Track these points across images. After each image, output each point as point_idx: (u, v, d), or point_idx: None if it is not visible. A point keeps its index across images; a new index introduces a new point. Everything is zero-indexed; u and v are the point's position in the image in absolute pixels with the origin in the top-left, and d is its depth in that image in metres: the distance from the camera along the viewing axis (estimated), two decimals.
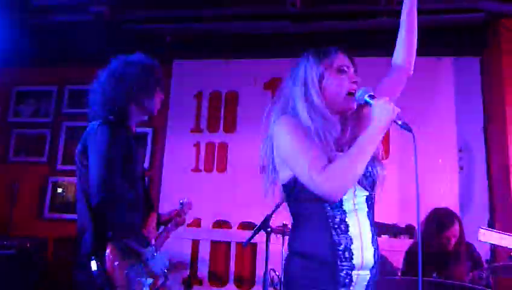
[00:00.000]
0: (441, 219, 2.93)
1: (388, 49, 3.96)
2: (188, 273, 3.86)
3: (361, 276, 1.41)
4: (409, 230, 3.58)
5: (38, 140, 4.36)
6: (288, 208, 1.51)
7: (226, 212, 3.91)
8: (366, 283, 1.42)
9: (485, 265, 2.95)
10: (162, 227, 2.26)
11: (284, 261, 1.50)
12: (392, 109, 1.39)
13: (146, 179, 2.22)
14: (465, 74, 3.85)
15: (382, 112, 1.38)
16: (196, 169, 4.08)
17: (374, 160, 1.49)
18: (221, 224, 3.96)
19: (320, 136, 1.41)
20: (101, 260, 1.79)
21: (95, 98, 2.05)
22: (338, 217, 1.41)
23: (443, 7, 3.52)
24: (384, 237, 3.65)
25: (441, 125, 3.78)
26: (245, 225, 3.85)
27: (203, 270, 3.88)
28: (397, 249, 3.48)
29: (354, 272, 1.39)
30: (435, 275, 2.74)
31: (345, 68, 1.50)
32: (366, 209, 1.46)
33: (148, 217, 2.06)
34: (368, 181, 1.46)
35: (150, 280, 1.91)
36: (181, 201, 2.53)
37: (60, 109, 4.41)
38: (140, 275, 1.87)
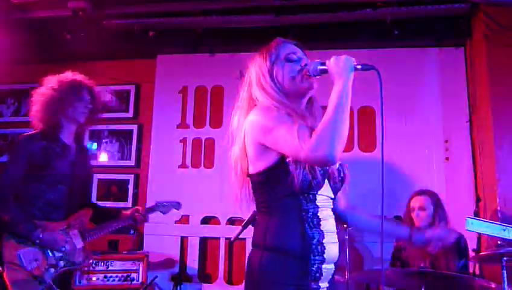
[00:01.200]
0: (412, 194, 3.04)
1: (369, 41, 4.04)
2: (177, 270, 3.87)
3: (328, 269, 1.46)
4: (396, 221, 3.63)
5: None
6: (256, 201, 1.55)
7: (215, 208, 3.92)
8: (330, 276, 1.49)
9: (472, 254, 3.02)
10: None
11: (250, 256, 1.50)
12: (345, 59, 1.45)
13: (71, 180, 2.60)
14: (450, 64, 3.90)
15: (338, 65, 1.44)
16: (183, 165, 4.08)
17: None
18: (209, 220, 3.97)
19: (292, 116, 1.47)
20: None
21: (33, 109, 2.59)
22: (311, 211, 1.44)
23: None
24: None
25: (427, 116, 3.83)
26: (234, 221, 3.87)
27: (192, 267, 3.90)
28: (385, 241, 3.53)
29: (324, 266, 1.44)
30: (422, 265, 2.80)
31: (293, 56, 1.58)
32: (332, 206, 1.54)
33: (75, 212, 2.56)
34: (335, 182, 1.54)
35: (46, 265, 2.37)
36: (158, 203, 2.96)
37: None
38: (34, 258, 2.33)
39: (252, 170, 1.52)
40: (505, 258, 2.22)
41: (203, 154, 4.07)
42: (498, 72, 3.44)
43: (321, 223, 1.45)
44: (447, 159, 3.76)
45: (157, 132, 4.17)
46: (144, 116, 4.27)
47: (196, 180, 3.98)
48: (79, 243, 2.52)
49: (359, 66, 1.45)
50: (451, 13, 3.70)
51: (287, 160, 1.43)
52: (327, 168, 1.49)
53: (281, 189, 1.44)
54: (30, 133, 2.54)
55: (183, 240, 3.95)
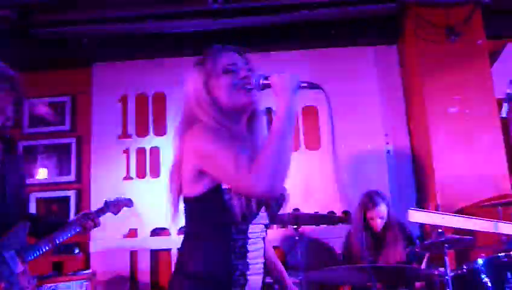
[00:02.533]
0: (363, 200, 3.13)
1: (308, 41, 4.15)
2: (128, 286, 3.76)
3: None
4: (345, 217, 3.77)
5: None
6: (185, 224, 1.45)
7: (164, 219, 3.84)
8: None
9: (417, 242, 3.20)
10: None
11: (171, 283, 1.43)
12: (290, 77, 1.35)
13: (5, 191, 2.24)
14: (384, 61, 4.11)
15: (283, 84, 1.34)
16: (128, 177, 3.97)
17: None
18: (159, 232, 3.90)
19: (232, 139, 1.37)
20: None
21: None
22: (241, 241, 1.38)
23: None
24: (322, 226, 3.80)
25: (367, 112, 4.00)
26: None
27: (144, 282, 3.80)
28: (336, 236, 3.66)
29: None
30: (370, 257, 2.94)
31: (231, 67, 1.45)
32: (264, 235, 1.47)
33: (9, 228, 2.13)
34: (272, 209, 1.45)
35: None
36: (108, 201, 2.59)
37: None
38: None
39: (185, 193, 1.43)
40: (446, 245, 2.37)
41: (148, 164, 3.99)
42: (429, 66, 3.68)
43: (248, 254, 1.39)
44: (388, 152, 3.95)
45: (97, 143, 4.03)
46: (82, 128, 4.11)
47: (143, 192, 3.88)
48: (18, 268, 2.16)
49: (305, 84, 1.36)
50: (383, 13, 3.91)
51: (223, 187, 1.34)
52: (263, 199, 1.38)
53: (212, 217, 1.37)
54: None
55: (133, 255, 3.85)
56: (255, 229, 1.41)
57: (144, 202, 3.82)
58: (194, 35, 3.91)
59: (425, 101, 3.64)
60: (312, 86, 1.38)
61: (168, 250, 3.84)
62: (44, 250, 2.24)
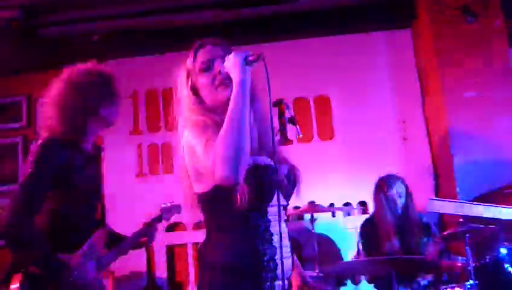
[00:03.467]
0: (380, 182, 3.10)
1: (319, 29, 4.09)
2: (145, 282, 3.79)
3: (281, 286, 1.41)
4: (361, 207, 3.73)
5: None
6: (204, 217, 1.46)
7: (180, 214, 3.86)
8: None
9: (435, 230, 3.14)
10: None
11: (200, 278, 1.44)
12: (234, 55, 1.35)
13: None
14: (398, 46, 4.02)
15: (231, 64, 1.35)
16: (140, 173, 3.99)
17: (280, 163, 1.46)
18: (175, 227, 3.91)
19: (210, 126, 1.37)
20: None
21: (51, 111, 2.01)
22: (263, 225, 1.38)
23: None
24: (338, 216, 3.78)
25: (381, 99, 3.94)
26: (200, 225, 3.82)
27: (161, 277, 3.83)
28: (352, 226, 3.63)
29: (277, 283, 1.38)
30: (391, 246, 2.89)
31: (207, 64, 1.45)
32: (285, 217, 1.47)
33: (91, 236, 2.05)
34: (286, 188, 1.45)
35: None
36: (164, 206, 2.51)
37: None
38: None
39: (195, 189, 1.43)
40: (467, 235, 2.33)
41: (161, 159, 4.00)
42: (445, 49, 3.58)
43: (273, 238, 1.38)
44: (404, 139, 3.89)
45: (109, 140, 4.05)
46: None
47: (156, 188, 3.89)
48: (98, 278, 2.06)
49: (246, 62, 1.34)
50: None
51: None
52: (276, 177, 1.39)
53: (227, 207, 1.34)
54: (50, 137, 1.96)
55: (149, 250, 3.87)
56: (274, 211, 1.39)
57: (158, 198, 3.84)
58: (204, 28, 3.88)
59: (442, 86, 3.56)
60: (250, 60, 1.35)
61: (184, 245, 3.86)
62: (115, 260, 2.19)
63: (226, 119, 1.29)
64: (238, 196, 1.31)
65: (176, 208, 2.58)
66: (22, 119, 4.11)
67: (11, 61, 3.75)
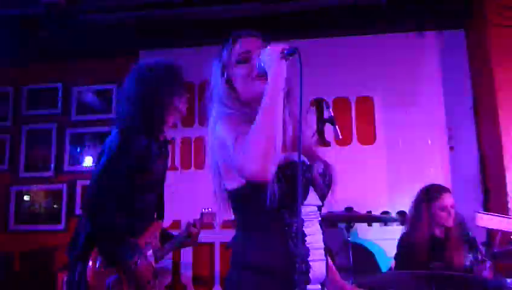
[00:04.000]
0: (425, 193, 2.88)
1: (364, 26, 3.92)
2: (171, 279, 3.76)
3: None
4: (401, 218, 3.54)
5: None
6: (234, 215, 1.43)
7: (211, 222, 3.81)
8: None
9: (482, 248, 2.93)
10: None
11: (229, 277, 1.39)
12: (269, 49, 1.32)
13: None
14: (450, 48, 3.81)
15: (266, 59, 1.32)
16: (172, 167, 3.96)
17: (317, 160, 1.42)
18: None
19: (243, 121, 1.34)
20: (84, 266, 1.95)
21: (128, 108, 2.17)
22: (295, 224, 1.32)
23: None
24: (375, 225, 3.61)
25: (429, 103, 3.75)
26: (229, 224, 3.75)
27: (186, 275, 3.79)
28: (389, 237, 3.46)
29: (309, 287, 1.33)
30: (435, 264, 2.71)
31: (244, 56, 1.43)
32: (319, 218, 1.42)
33: (149, 226, 2.19)
34: (321, 188, 1.40)
35: None
36: (203, 210, 2.67)
37: (18, 112, 4.22)
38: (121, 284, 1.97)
39: (226, 186, 1.40)
40: None
41: (193, 154, 3.95)
42: (503, 55, 3.36)
43: (306, 238, 1.34)
44: (451, 148, 3.68)
45: None
46: None
47: (186, 183, 3.86)
48: (155, 269, 2.18)
49: (284, 53, 1.30)
50: None
51: None
52: (309, 174, 1.35)
53: (258, 205, 1.30)
54: (131, 126, 2.10)
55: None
56: (308, 211, 1.36)
57: (187, 193, 3.81)
58: (243, 21, 3.81)
59: (497, 93, 3.33)
60: (289, 52, 1.31)
61: (211, 243, 3.80)
62: (167, 254, 2.33)
63: (258, 113, 1.26)
64: (268, 193, 1.28)
65: (211, 216, 2.70)
66: (58, 105, 4.17)
67: (49, 47, 3.80)
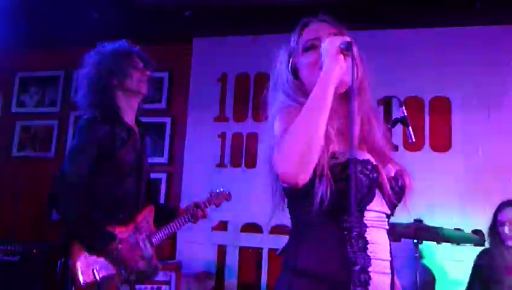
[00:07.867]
0: (500, 205, 2.92)
1: (442, 18, 3.74)
2: (214, 283, 3.81)
3: None
4: (477, 237, 3.40)
5: (45, 133, 4.39)
6: (290, 215, 1.42)
7: (257, 215, 3.82)
8: None
9: None
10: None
11: (279, 281, 1.38)
12: (328, 41, 1.31)
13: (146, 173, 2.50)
14: None
15: (323, 51, 1.31)
16: (221, 164, 4.01)
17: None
18: (250, 228, 3.89)
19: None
20: (66, 255, 2.15)
21: (79, 90, 2.39)
22: (356, 230, 1.29)
23: None
24: (445, 244, 3.47)
25: None
26: (278, 229, 3.76)
27: (231, 280, 3.82)
28: (461, 258, 3.33)
29: None
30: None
31: (311, 43, 1.42)
32: (387, 227, 1.37)
33: (141, 212, 2.37)
34: (390, 194, 1.34)
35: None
36: (212, 192, 2.80)
37: (67, 97, 4.40)
38: (109, 274, 2.16)
39: (282, 185, 1.38)
40: None
41: (244, 151, 3.99)
42: None
43: (368, 246, 1.29)
44: None
45: (192, 125, 4.14)
46: (178, 107, 4.23)
47: (236, 182, 3.85)
48: (149, 252, 2.35)
49: (342, 47, 1.29)
50: None
51: (317, 172, 1.27)
52: (375, 175, 1.30)
53: (315, 205, 1.27)
54: (91, 115, 2.28)
55: (220, 250, 3.90)
56: (372, 216, 1.32)
57: (236, 193, 3.84)
58: (304, 9, 3.77)
59: None
60: (345, 45, 1.29)
61: (259, 249, 3.82)
62: (165, 237, 2.48)
63: (304, 108, 1.25)
64: (319, 194, 1.26)
65: (225, 196, 2.85)
66: None
67: (102, 31, 3.96)
